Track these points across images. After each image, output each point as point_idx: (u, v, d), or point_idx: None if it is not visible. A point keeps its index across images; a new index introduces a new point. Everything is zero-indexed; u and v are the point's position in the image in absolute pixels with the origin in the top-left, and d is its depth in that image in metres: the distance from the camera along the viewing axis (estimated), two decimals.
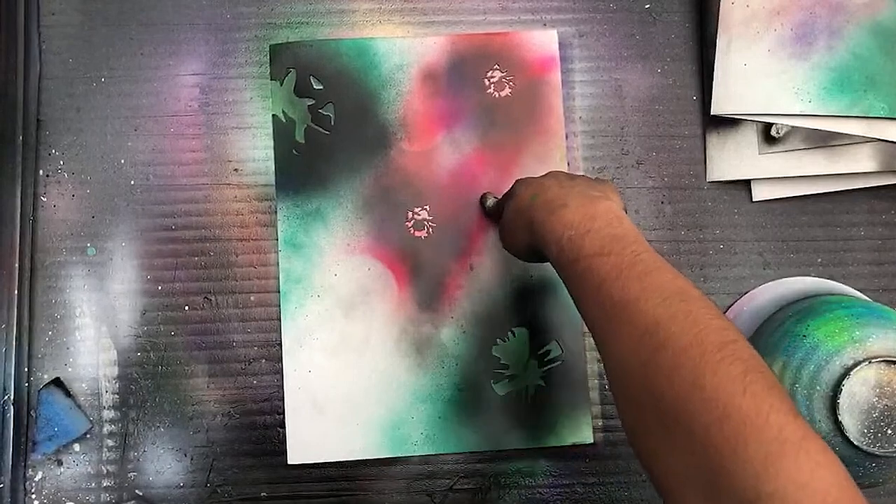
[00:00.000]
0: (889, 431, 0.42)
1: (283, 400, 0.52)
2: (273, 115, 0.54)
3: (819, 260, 0.56)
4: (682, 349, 0.30)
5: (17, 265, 0.52)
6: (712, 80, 0.54)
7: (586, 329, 0.48)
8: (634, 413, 0.32)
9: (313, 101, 0.54)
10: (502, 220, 0.48)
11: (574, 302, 0.38)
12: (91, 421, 0.52)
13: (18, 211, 0.53)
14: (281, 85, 0.54)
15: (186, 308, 0.54)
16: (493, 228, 0.54)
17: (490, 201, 0.53)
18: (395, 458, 0.52)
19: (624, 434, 0.34)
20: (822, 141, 0.54)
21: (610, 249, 0.36)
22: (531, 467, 0.53)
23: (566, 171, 0.54)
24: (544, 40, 0.55)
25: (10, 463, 0.51)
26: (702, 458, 0.28)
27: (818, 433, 0.42)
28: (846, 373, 0.42)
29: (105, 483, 0.52)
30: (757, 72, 0.53)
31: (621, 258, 0.35)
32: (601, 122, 0.56)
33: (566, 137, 0.55)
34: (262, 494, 0.52)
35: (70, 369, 0.53)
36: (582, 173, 0.55)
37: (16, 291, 0.52)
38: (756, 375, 0.29)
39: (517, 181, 0.47)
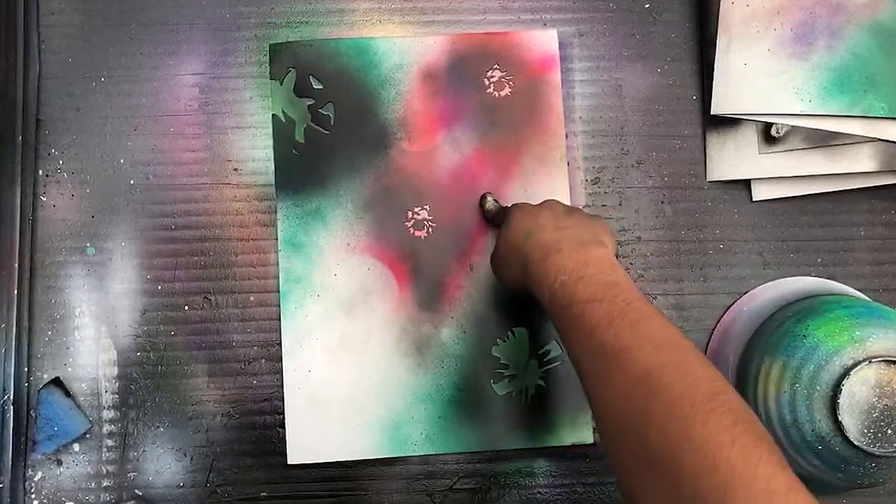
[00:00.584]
0: (889, 431, 0.42)
1: (283, 400, 0.52)
2: (273, 115, 0.54)
3: (819, 260, 0.56)
4: (673, 399, 0.31)
5: (16, 265, 0.52)
6: (712, 80, 0.54)
7: None
8: (624, 458, 0.33)
9: (313, 101, 0.54)
10: (495, 251, 0.48)
11: (565, 346, 0.39)
12: (91, 421, 0.52)
13: (18, 211, 0.53)
14: (281, 84, 0.54)
15: (186, 308, 0.54)
16: (492, 229, 0.54)
17: (489, 202, 0.53)
18: (395, 458, 0.52)
19: None
20: (822, 141, 0.54)
21: (602, 296, 0.36)
22: (531, 467, 0.53)
23: (566, 170, 0.54)
24: (544, 40, 0.55)
25: (10, 463, 0.50)
26: None
27: (818, 434, 0.43)
28: (846, 373, 0.42)
29: (105, 483, 0.52)
30: (757, 72, 0.53)
31: (613, 306, 0.36)
32: (601, 122, 0.56)
33: (566, 137, 0.55)
34: (262, 494, 0.52)
35: (70, 369, 0.53)
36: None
37: (15, 291, 0.52)
38: (745, 426, 0.29)
39: (514, 206, 0.47)
